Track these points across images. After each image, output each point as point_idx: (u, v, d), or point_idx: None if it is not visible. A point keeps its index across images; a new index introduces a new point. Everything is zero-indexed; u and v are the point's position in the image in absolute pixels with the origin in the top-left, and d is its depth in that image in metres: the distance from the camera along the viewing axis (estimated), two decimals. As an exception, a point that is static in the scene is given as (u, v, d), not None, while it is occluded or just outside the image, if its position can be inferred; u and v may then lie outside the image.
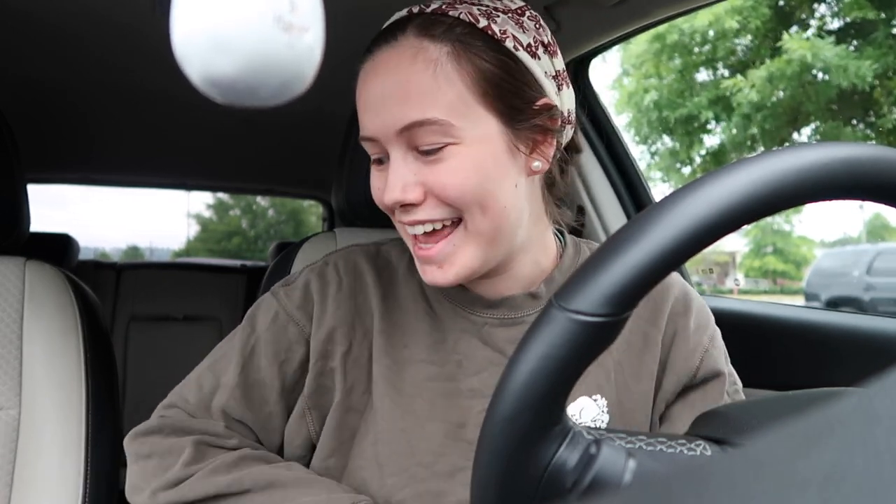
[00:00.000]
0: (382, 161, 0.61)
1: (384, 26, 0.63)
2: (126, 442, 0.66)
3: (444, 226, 0.59)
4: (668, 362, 0.67)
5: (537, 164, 0.63)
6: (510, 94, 0.59)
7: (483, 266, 0.61)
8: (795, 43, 7.71)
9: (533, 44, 0.61)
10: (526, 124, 0.60)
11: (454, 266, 0.59)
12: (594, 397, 0.64)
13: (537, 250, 0.67)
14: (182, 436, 0.64)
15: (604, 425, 0.63)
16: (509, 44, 0.59)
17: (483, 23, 0.59)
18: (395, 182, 0.58)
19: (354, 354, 0.65)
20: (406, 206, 0.59)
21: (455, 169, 0.57)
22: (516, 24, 0.60)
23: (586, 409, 0.63)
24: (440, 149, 0.57)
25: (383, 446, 0.62)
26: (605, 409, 0.64)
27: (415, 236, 0.61)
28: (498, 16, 0.60)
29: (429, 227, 0.59)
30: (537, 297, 0.66)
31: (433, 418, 0.62)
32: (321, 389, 0.65)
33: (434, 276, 0.60)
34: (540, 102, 0.60)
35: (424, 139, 0.57)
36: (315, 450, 0.66)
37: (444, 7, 0.60)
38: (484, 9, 0.60)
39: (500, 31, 0.59)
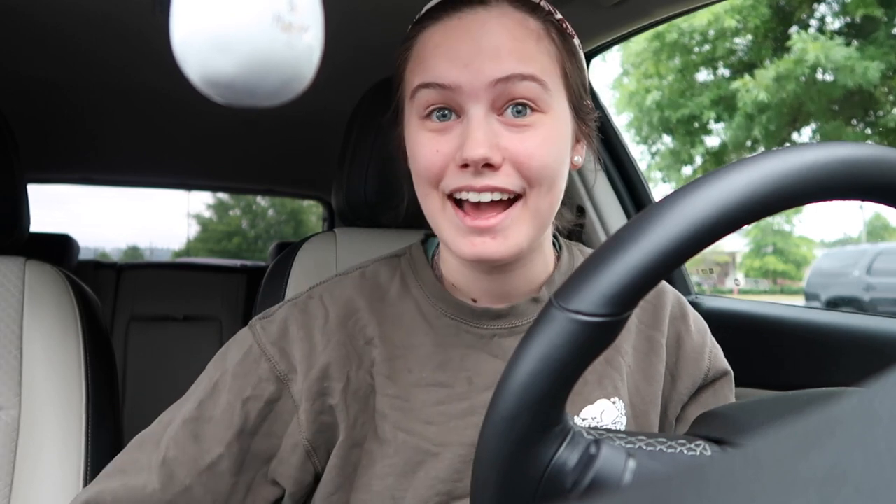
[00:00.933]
0: (446, 115, 0.57)
1: None
2: None
3: (507, 198, 0.57)
4: (679, 366, 0.69)
5: (578, 158, 0.64)
6: (576, 86, 0.60)
7: (527, 248, 0.59)
8: (809, 45, 7.70)
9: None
10: (579, 119, 0.62)
11: (509, 240, 0.56)
12: (612, 400, 0.64)
13: (545, 248, 0.67)
14: None
15: (623, 427, 0.63)
16: (576, 41, 0.61)
17: (559, 15, 0.61)
18: (481, 138, 0.54)
19: (353, 387, 0.61)
20: (483, 168, 0.55)
21: (542, 139, 0.56)
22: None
23: (606, 412, 0.63)
24: (529, 116, 0.56)
25: (399, 480, 0.59)
26: (623, 412, 0.64)
27: (464, 207, 0.57)
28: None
29: (496, 196, 0.56)
30: (540, 302, 0.65)
31: (449, 443, 0.60)
32: (323, 427, 0.61)
33: (486, 247, 0.56)
34: (587, 102, 0.63)
35: (520, 92, 0.55)
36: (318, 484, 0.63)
37: None
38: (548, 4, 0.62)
39: (568, 26, 0.61)
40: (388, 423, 0.60)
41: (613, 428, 0.62)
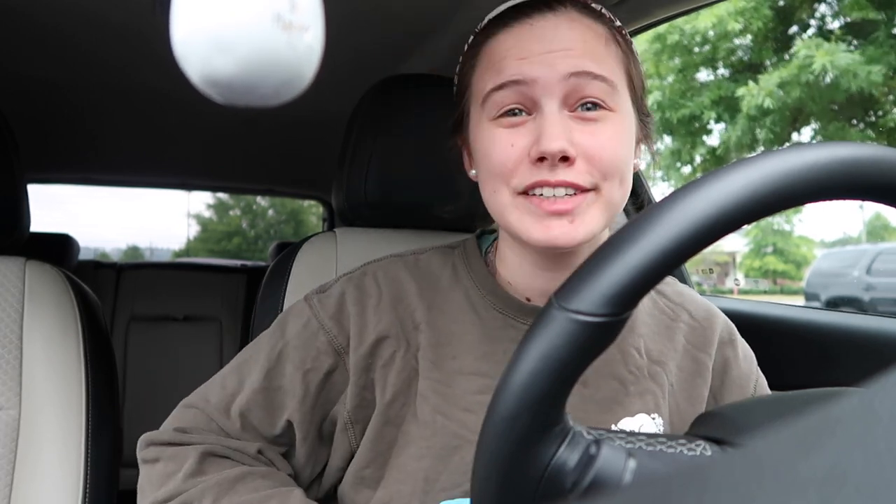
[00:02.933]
0: (516, 113, 0.58)
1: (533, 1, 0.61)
2: (138, 446, 0.66)
3: (577, 193, 0.57)
4: (723, 391, 0.69)
5: (638, 160, 0.65)
6: (639, 89, 0.63)
7: (597, 235, 0.59)
8: (816, 53, 7.69)
9: None
10: (640, 121, 0.64)
11: (584, 224, 0.57)
12: (653, 416, 0.64)
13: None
14: (189, 444, 0.63)
15: (662, 429, 0.64)
16: (635, 48, 0.63)
17: (617, 22, 0.62)
18: (558, 132, 0.55)
19: (397, 366, 0.63)
20: (559, 162, 0.55)
21: (613, 134, 0.57)
22: None
23: (645, 427, 0.63)
24: (599, 111, 0.57)
25: (434, 462, 0.60)
26: (662, 429, 0.64)
27: (539, 197, 0.57)
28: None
29: (570, 192, 0.56)
30: None
31: None
32: (364, 403, 0.64)
33: (563, 230, 0.56)
34: (646, 105, 0.65)
35: (591, 91, 0.56)
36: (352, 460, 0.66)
37: None
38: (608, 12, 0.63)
39: (627, 33, 0.63)
40: (429, 406, 0.62)
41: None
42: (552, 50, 0.56)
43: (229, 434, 0.64)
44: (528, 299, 0.66)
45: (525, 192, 0.57)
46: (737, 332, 0.72)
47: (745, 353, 0.71)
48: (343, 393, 0.64)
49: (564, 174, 0.55)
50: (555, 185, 0.56)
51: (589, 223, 0.57)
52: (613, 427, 0.62)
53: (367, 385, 0.63)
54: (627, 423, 0.62)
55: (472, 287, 0.66)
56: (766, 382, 0.72)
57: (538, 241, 0.57)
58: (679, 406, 0.66)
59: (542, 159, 0.55)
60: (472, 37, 0.65)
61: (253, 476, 0.60)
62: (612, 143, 0.57)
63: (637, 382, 0.64)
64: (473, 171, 0.66)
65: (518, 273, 0.66)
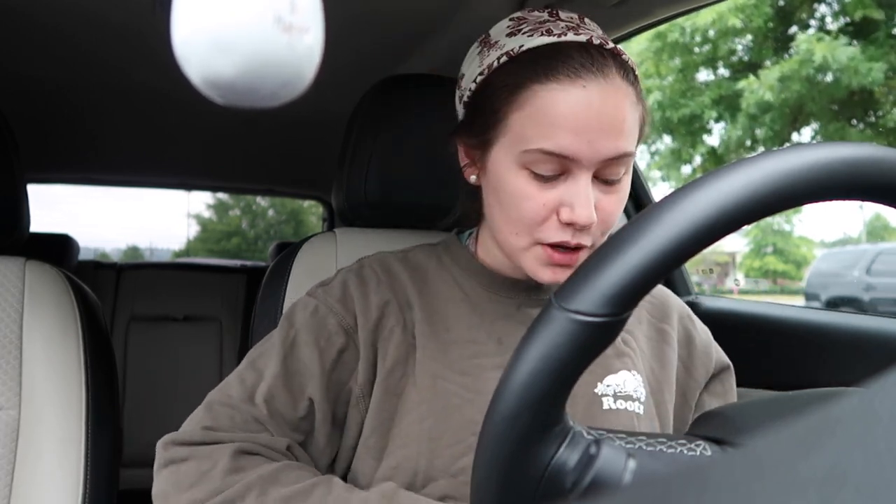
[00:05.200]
0: (547, 179, 0.62)
1: (567, 39, 0.63)
2: (159, 446, 0.65)
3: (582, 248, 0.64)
4: (691, 359, 0.77)
5: None
6: (642, 134, 0.67)
7: None
8: (815, 46, 7.69)
9: None
10: None
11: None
12: (633, 373, 0.70)
13: None
14: (220, 442, 0.63)
15: (643, 398, 0.69)
16: (643, 95, 0.66)
17: (637, 70, 0.65)
18: (589, 204, 0.60)
19: (396, 339, 0.68)
20: (582, 228, 0.62)
21: (622, 195, 0.65)
22: None
23: (628, 381, 0.69)
24: (621, 179, 0.63)
25: (437, 422, 0.65)
26: (643, 384, 0.70)
27: (554, 248, 0.64)
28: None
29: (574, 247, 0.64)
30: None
31: (483, 391, 0.66)
32: (372, 378, 0.68)
33: (563, 275, 0.63)
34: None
35: (617, 170, 0.62)
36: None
37: (614, 46, 0.64)
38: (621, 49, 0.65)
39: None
40: (428, 373, 0.67)
41: (635, 395, 0.68)
42: (601, 127, 0.60)
43: (258, 420, 0.65)
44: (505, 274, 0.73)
45: (543, 244, 0.63)
46: (688, 309, 0.82)
47: (701, 327, 0.80)
48: (354, 371, 0.68)
49: (581, 238, 0.62)
50: (573, 249, 0.63)
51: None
52: (600, 385, 0.68)
53: (374, 359, 0.68)
54: (612, 380, 0.68)
55: (458, 270, 0.74)
56: (721, 349, 0.80)
57: (541, 280, 0.65)
58: (652, 368, 0.74)
59: (569, 224, 0.61)
60: (505, 57, 0.64)
61: (291, 468, 0.62)
62: (621, 205, 0.65)
63: (613, 346, 0.69)
64: (474, 178, 0.70)
65: (499, 261, 0.73)
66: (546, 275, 0.64)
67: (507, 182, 0.64)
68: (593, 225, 0.62)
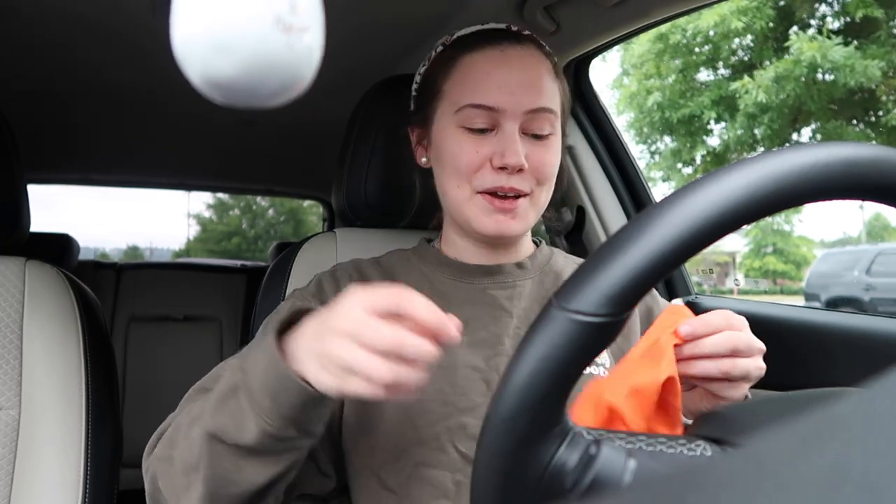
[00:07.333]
0: (484, 131, 0.72)
1: (490, 26, 0.77)
2: (143, 466, 0.65)
3: (517, 196, 0.73)
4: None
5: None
6: (567, 113, 0.78)
7: (529, 229, 0.77)
8: (805, 44, 7.69)
9: None
10: (563, 135, 0.78)
11: (521, 222, 0.74)
12: None
13: (527, 237, 0.83)
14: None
15: (608, 365, 0.73)
16: (561, 73, 0.77)
17: (555, 59, 0.77)
18: (517, 150, 0.70)
19: None
20: (514, 173, 0.71)
21: (552, 151, 0.74)
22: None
23: None
24: (548, 136, 0.73)
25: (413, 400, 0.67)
26: (607, 356, 0.75)
27: (493, 195, 0.72)
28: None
29: (511, 194, 0.72)
30: (523, 268, 0.80)
31: (452, 366, 0.71)
32: None
33: (507, 224, 0.73)
34: (566, 130, 0.79)
35: (541, 124, 0.72)
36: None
37: (532, 34, 0.76)
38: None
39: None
40: None
41: (599, 361, 0.73)
42: (520, 82, 0.71)
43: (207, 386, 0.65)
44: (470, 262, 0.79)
45: (482, 192, 0.72)
46: (655, 292, 0.87)
47: (663, 301, 0.86)
48: None
49: (516, 182, 0.71)
50: (507, 191, 0.72)
51: (524, 220, 0.75)
52: None
53: None
54: None
55: (425, 266, 0.80)
56: None
57: (488, 231, 0.73)
58: (616, 341, 0.74)
59: (502, 168, 0.71)
60: (441, 46, 0.78)
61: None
62: (552, 159, 0.74)
63: None
64: (424, 159, 0.80)
65: (462, 251, 0.80)
66: (489, 225, 0.73)
67: (447, 142, 0.74)
68: (525, 171, 0.71)
